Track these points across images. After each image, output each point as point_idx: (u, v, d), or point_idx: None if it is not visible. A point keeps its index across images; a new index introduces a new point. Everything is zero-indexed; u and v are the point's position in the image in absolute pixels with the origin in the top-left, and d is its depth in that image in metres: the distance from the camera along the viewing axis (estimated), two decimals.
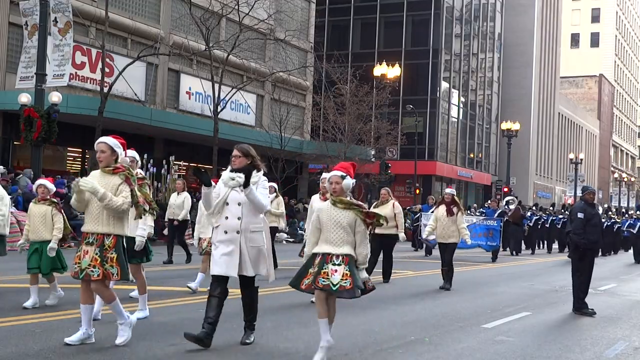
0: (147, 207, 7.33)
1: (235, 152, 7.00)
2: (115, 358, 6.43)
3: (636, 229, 26.12)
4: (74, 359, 6.33)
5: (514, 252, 26.16)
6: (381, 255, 13.93)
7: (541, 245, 30.58)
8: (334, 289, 6.37)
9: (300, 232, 28.16)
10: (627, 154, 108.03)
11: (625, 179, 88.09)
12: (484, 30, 58.39)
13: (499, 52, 61.51)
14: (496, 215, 23.67)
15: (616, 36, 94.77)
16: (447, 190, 13.88)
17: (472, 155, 56.97)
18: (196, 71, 32.20)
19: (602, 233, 13.81)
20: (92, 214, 6.77)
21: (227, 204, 6.87)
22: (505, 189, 45.61)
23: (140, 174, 8.67)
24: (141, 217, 7.37)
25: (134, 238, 8.43)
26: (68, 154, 29.04)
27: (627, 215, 31.35)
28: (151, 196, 8.83)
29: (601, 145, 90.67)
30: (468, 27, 55.56)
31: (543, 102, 68.43)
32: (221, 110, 29.27)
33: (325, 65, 36.27)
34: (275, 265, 14.65)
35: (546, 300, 12.58)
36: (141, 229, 8.65)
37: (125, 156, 7.17)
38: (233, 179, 6.78)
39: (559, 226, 29.52)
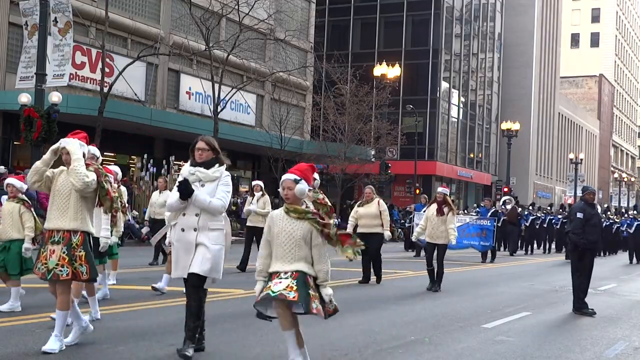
0: (113, 204, 6.98)
1: (202, 145, 6.43)
2: (116, 358, 6.43)
3: (633, 228, 26.07)
4: (74, 359, 6.33)
5: (510, 253, 25.87)
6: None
7: (539, 246, 30.24)
8: (273, 295, 5.58)
9: None
10: (627, 154, 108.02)
11: (625, 179, 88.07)
12: (484, 30, 58.39)
13: (499, 52, 61.51)
14: (489, 214, 23.08)
15: (616, 36, 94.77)
16: (440, 189, 13.52)
17: (472, 155, 56.97)
18: (196, 71, 32.20)
19: (601, 233, 13.80)
20: (58, 209, 6.49)
21: None
22: (505, 189, 45.58)
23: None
24: (110, 211, 7.02)
25: (97, 238, 8.11)
26: None
27: (626, 215, 31.30)
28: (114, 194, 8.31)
29: (601, 145, 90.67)
30: (468, 27, 55.55)
31: (543, 102, 68.43)
32: (221, 110, 29.28)
33: (325, 65, 36.28)
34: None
35: (546, 300, 12.58)
36: (105, 229, 8.34)
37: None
38: (193, 174, 6.35)
39: (557, 226, 29.30)
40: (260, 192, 14.66)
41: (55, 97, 21.27)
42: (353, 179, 36.91)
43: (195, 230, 6.34)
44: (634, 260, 25.76)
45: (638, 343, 8.72)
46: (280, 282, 5.62)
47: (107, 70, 25.78)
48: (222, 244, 6.48)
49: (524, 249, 28.26)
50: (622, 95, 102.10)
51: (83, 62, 27.44)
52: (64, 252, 6.41)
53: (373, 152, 39.00)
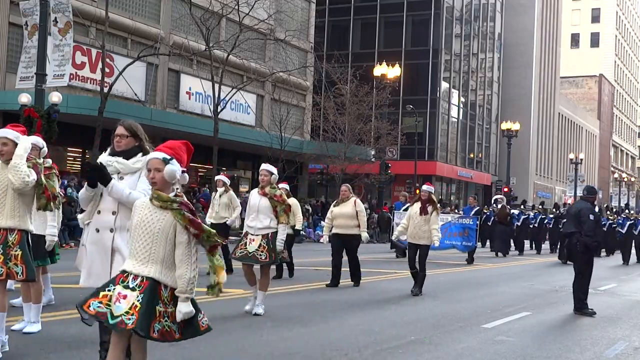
0: (51, 204, 6.40)
1: (120, 131, 5.52)
2: None
3: (625, 228, 25.93)
4: (74, 359, 6.33)
5: (500, 253, 24.94)
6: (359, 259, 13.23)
7: (531, 246, 29.70)
8: (112, 322, 4.31)
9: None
10: (627, 154, 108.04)
11: (625, 179, 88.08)
12: (484, 30, 58.41)
13: (499, 52, 61.54)
14: (472, 213, 22.09)
15: (616, 36, 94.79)
16: (425, 187, 12.56)
17: (472, 155, 56.98)
18: (196, 71, 32.21)
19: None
20: None
21: (101, 195, 5.42)
22: (506, 189, 45.57)
23: (47, 162, 7.72)
24: (44, 210, 6.45)
25: (42, 236, 7.64)
26: (68, 154, 29.04)
27: (623, 215, 31.21)
28: (58, 189, 7.70)
29: (601, 145, 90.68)
30: (468, 27, 55.57)
31: (543, 102, 68.45)
32: (221, 110, 29.28)
33: (325, 65, 36.31)
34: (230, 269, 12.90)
35: (546, 300, 12.58)
36: (51, 226, 7.82)
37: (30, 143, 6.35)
38: (110, 165, 5.44)
39: (551, 226, 28.94)
40: (223, 188, 13.60)
41: (55, 97, 21.28)
42: (353, 179, 36.89)
43: (111, 231, 5.38)
44: (635, 259, 25.68)
45: (638, 343, 8.72)
46: (124, 298, 4.37)
47: (107, 70, 25.78)
48: None
49: (517, 249, 27.93)
50: (622, 95, 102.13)
51: (83, 62, 27.45)
52: None
53: (373, 152, 39.00)
